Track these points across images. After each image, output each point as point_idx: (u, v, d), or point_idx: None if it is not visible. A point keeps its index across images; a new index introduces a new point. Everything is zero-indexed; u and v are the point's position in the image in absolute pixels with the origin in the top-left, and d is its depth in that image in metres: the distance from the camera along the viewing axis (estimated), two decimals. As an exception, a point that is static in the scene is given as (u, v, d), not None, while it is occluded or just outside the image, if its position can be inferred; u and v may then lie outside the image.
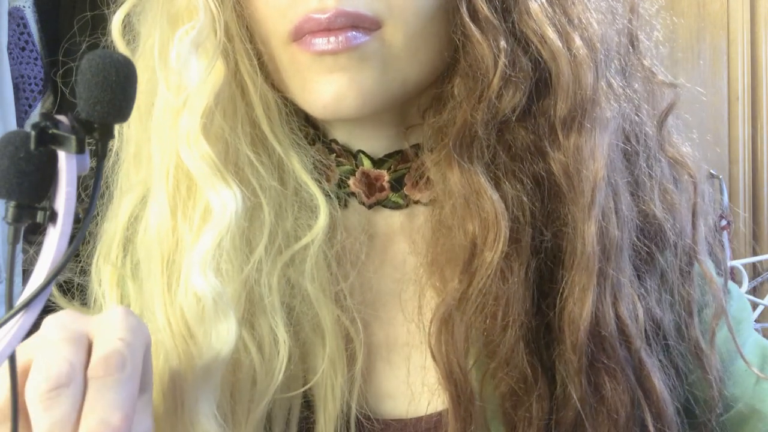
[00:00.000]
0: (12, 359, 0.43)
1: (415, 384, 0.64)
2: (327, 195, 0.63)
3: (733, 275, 2.15)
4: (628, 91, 0.64)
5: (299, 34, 0.58)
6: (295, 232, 0.63)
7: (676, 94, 0.68)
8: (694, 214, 0.67)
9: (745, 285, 2.15)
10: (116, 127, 0.64)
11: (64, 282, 0.68)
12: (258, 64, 0.63)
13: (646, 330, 0.62)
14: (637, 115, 0.65)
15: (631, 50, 0.66)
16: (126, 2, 0.64)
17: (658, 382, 0.61)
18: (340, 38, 0.57)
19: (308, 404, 0.63)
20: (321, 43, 0.57)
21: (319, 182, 0.64)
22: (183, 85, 0.59)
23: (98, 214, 0.68)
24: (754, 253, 2.28)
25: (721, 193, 2.26)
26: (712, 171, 2.21)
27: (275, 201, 0.62)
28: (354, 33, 0.57)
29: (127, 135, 0.65)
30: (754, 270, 2.32)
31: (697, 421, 0.66)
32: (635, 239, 0.63)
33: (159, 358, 0.59)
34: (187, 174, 0.59)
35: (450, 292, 0.60)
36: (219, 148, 0.60)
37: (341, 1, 0.56)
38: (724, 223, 2.14)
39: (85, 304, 0.68)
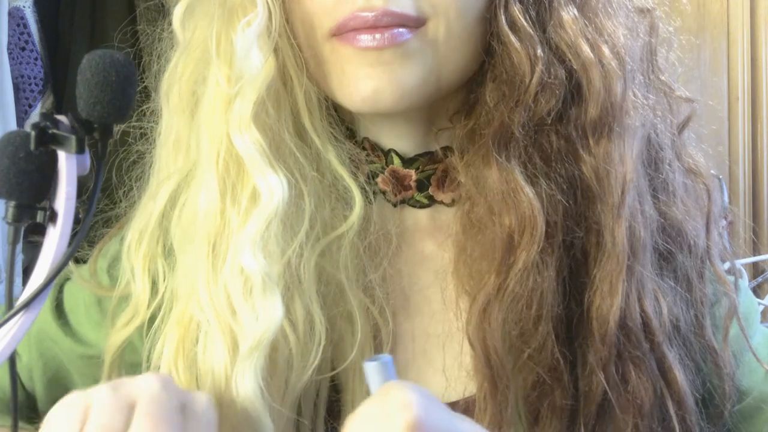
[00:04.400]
0: (12, 359, 0.43)
1: (449, 371, 0.66)
2: (362, 188, 0.66)
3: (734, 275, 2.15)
4: (650, 103, 0.67)
5: (342, 30, 0.60)
6: (332, 221, 0.65)
7: (693, 108, 0.72)
8: (708, 220, 0.71)
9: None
10: (163, 113, 0.66)
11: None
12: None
13: (667, 325, 0.65)
14: (659, 126, 0.68)
15: (651, 65, 0.69)
16: None
17: (679, 373, 0.64)
18: (386, 35, 0.59)
19: (335, 387, 0.65)
20: (366, 39, 0.60)
21: (355, 175, 0.66)
22: (237, 74, 0.61)
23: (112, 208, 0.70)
24: (754, 253, 2.28)
25: (721, 193, 2.26)
26: (711, 171, 2.21)
27: (315, 190, 0.64)
28: (400, 30, 0.59)
29: (168, 123, 0.67)
30: (754, 270, 2.32)
31: (713, 412, 0.69)
32: (657, 239, 0.66)
33: (200, 337, 0.61)
34: (237, 159, 0.61)
35: (489, 283, 0.62)
36: (266, 137, 0.62)
37: (389, 1, 0.59)
38: (724, 223, 2.14)
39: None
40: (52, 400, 0.72)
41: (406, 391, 0.47)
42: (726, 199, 2.29)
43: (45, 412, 0.73)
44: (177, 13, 0.66)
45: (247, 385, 0.58)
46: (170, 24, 0.66)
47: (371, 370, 0.49)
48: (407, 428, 0.44)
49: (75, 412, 0.48)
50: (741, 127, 2.33)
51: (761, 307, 2.20)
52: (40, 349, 0.71)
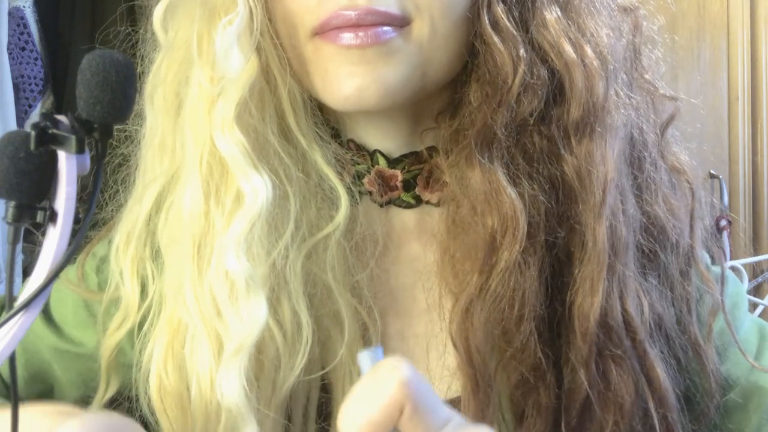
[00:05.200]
0: (12, 359, 0.43)
1: (433, 371, 0.66)
2: (348, 188, 0.66)
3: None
4: (634, 102, 0.67)
5: (325, 28, 0.60)
6: (318, 221, 0.65)
7: (676, 107, 0.72)
8: (692, 218, 0.71)
9: (745, 285, 2.16)
10: (148, 115, 0.66)
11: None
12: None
13: (649, 323, 0.65)
14: (642, 125, 0.68)
15: (634, 64, 0.69)
16: None
17: (661, 371, 0.64)
18: (369, 33, 0.59)
19: (325, 387, 0.65)
20: (348, 37, 0.59)
21: (341, 175, 0.66)
22: (219, 75, 0.61)
23: (104, 206, 0.70)
24: (754, 253, 2.28)
25: (721, 192, 2.26)
26: (711, 171, 2.21)
27: (300, 191, 0.64)
28: (384, 28, 0.59)
29: (153, 125, 0.67)
30: (754, 270, 2.32)
31: (697, 409, 0.69)
32: (640, 238, 0.66)
33: (187, 339, 0.61)
34: (221, 160, 0.61)
35: (471, 283, 0.62)
36: (250, 138, 0.62)
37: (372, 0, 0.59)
38: (724, 223, 2.14)
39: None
40: (35, 395, 0.72)
41: (394, 360, 0.48)
42: (726, 199, 2.29)
43: None
44: (157, 15, 0.65)
45: (231, 388, 0.58)
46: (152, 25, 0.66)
47: (364, 359, 0.49)
48: (399, 385, 0.44)
49: None
50: (741, 127, 2.33)
51: (761, 308, 2.20)
52: (24, 344, 0.71)
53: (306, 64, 0.63)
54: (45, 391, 0.73)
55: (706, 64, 2.34)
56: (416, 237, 0.70)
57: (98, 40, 0.68)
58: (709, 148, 2.17)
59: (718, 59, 2.35)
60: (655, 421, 0.64)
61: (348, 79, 0.60)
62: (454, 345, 0.63)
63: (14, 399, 0.43)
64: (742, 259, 2.20)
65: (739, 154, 2.32)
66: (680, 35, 2.27)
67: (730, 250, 2.15)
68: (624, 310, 0.64)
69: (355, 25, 0.59)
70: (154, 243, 0.67)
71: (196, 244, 0.62)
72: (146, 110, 0.66)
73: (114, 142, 0.69)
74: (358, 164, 0.68)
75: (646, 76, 0.70)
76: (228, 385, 0.58)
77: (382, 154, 0.68)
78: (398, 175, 0.68)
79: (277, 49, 0.64)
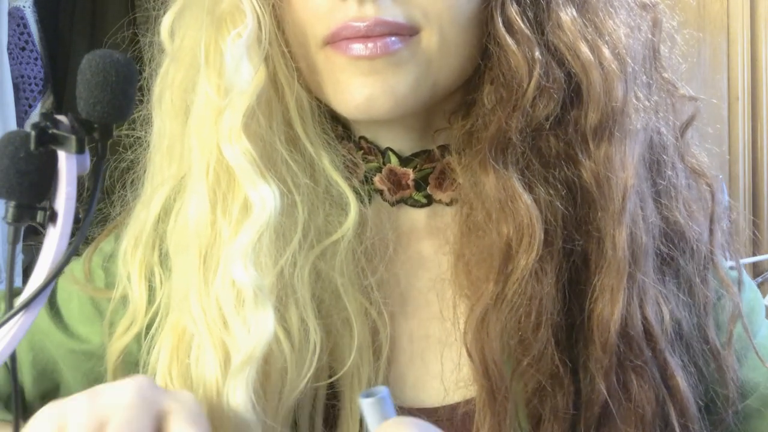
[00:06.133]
0: (12, 359, 0.43)
1: (448, 380, 0.66)
2: (357, 193, 0.65)
3: (733, 275, 2.15)
4: (653, 103, 0.66)
5: (335, 39, 0.60)
6: (326, 227, 0.65)
7: (696, 107, 0.71)
8: (711, 221, 0.70)
9: (745, 285, 2.15)
10: (156, 118, 0.66)
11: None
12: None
13: (669, 331, 0.64)
14: (661, 127, 0.67)
15: (653, 63, 0.68)
16: (174, 5, 0.66)
17: (682, 381, 0.63)
18: (379, 44, 0.59)
19: (333, 393, 0.65)
20: (358, 48, 0.59)
21: (349, 180, 0.66)
22: (227, 86, 0.61)
23: (106, 206, 0.70)
24: (754, 253, 2.28)
25: (721, 193, 2.26)
26: (711, 171, 2.21)
27: (308, 198, 0.64)
28: (392, 39, 0.59)
29: (161, 129, 0.67)
30: (754, 270, 2.32)
31: (716, 417, 0.68)
32: (659, 244, 0.65)
33: (193, 348, 0.60)
34: (228, 170, 0.61)
35: (486, 292, 0.62)
36: (258, 146, 0.62)
37: (380, 9, 0.59)
38: (726, 222, 2.14)
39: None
40: (41, 393, 0.71)
41: (401, 421, 0.47)
42: (726, 198, 2.29)
43: (32, 404, 0.72)
44: (164, 25, 0.65)
45: (238, 400, 0.58)
46: (159, 34, 0.66)
47: (368, 406, 0.47)
48: None
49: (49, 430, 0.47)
50: (741, 127, 2.33)
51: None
52: (31, 342, 0.71)
53: (317, 73, 0.63)
54: (51, 389, 0.72)
55: (706, 64, 2.34)
56: (426, 236, 0.69)
57: (106, 44, 0.68)
58: (709, 148, 2.17)
59: (718, 59, 2.35)
60: (677, 431, 0.63)
61: (359, 89, 0.61)
62: (469, 355, 0.62)
63: (15, 398, 0.43)
64: (742, 259, 2.20)
65: (739, 153, 2.32)
66: (680, 35, 2.27)
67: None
68: (644, 319, 0.62)
69: (364, 37, 0.59)
70: (162, 247, 0.66)
71: (203, 254, 0.61)
72: (154, 114, 0.66)
73: (120, 149, 0.69)
74: (370, 162, 0.68)
75: (665, 75, 0.69)
76: (235, 397, 0.58)
77: (394, 152, 0.68)
78: (410, 173, 0.68)
79: (285, 57, 0.64)
